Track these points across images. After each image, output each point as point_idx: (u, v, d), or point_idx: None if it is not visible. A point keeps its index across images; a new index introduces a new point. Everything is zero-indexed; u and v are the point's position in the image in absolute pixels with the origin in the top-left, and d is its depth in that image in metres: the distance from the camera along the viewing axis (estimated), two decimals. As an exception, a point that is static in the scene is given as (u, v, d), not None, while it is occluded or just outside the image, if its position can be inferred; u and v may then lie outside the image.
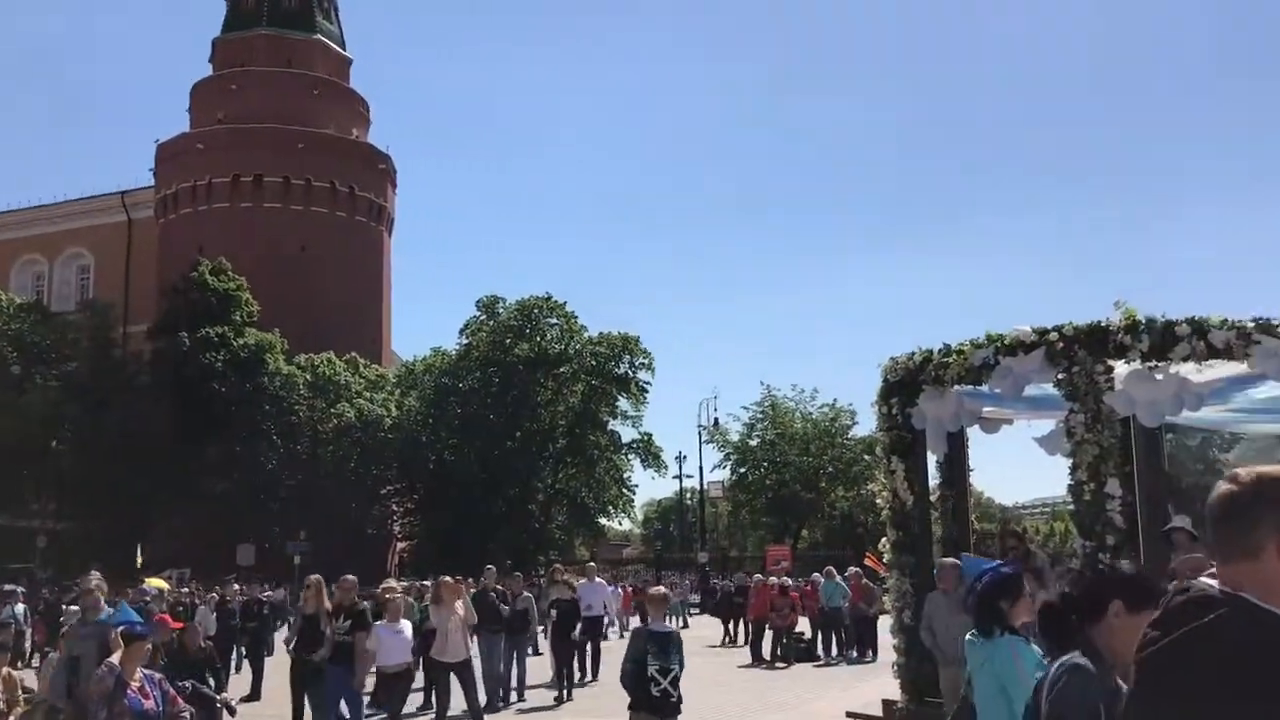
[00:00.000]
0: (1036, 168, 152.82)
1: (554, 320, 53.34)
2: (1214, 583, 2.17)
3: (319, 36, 67.42)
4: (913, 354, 11.05)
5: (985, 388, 10.29)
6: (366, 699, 11.95)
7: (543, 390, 51.99)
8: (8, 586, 24.23)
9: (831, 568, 25.20)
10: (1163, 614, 2.18)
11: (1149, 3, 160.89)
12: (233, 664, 19.25)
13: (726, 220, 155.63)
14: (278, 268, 56.48)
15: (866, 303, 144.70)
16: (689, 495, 57.19)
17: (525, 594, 17.31)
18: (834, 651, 23.22)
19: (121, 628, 7.86)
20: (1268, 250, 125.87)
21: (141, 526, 41.36)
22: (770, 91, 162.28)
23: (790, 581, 26.81)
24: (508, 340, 51.81)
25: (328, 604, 11.91)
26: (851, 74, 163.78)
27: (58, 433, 48.22)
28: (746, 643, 24.29)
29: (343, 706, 11.62)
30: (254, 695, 16.73)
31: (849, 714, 12.63)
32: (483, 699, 14.01)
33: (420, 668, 15.33)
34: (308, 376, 50.53)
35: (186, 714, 8.08)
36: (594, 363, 52.46)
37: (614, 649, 19.97)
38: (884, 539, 11.80)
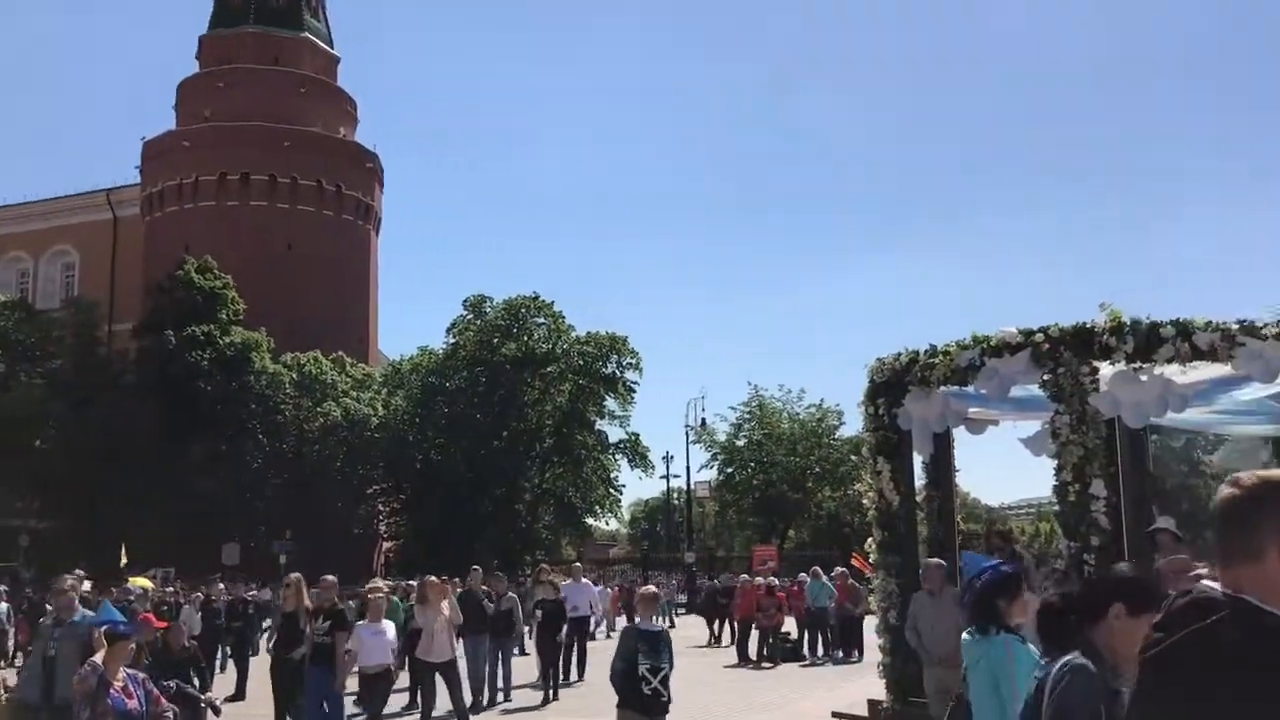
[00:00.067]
0: (1036, 168, 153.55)
1: (541, 320, 53.26)
2: (1216, 585, 2.19)
3: (306, 34, 67.19)
4: (899, 355, 11.07)
5: (971, 389, 10.32)
6: (351, 699, 11.90)
7: (530, 390, 51.93)
8: (-9, 586, 24.12)
9: (818, 568, 25.25)
10: (1165, 616, 2.20)
11: (1149, 3, 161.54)
12: (218, 664, 19.20)
13: (716, 220, 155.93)
14: (264, 266, 56.25)
15: (858, 303, 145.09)
16: (676, 495, 57.24)
17: (510, 594, 17.29)
18: (820, 651, 23.27)
19: (105, 627, 7.82)
20: (1267, 250, 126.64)
21: (126, 525, 41.02)
22: (767, 91, 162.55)
23: (777, 581, 26.84)
24: (495, 340, 51.72)
25: (307, 602, 11.88)
26: (850, 74, 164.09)
27: (42, 431, 47.97)
28: (733, 642, 24.32)
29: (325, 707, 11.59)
30: (239, 695, 16.69)
31: (834, 714, 12.65)
32: (468, 699, 13.99)
33: (406, 668, 15.32)
34: (294, 375, 50.35)
35: (170, 714, 8.05)
36: (581, 362, 52.41)
37: (599, 649, 19.98)
38: (870, 539, 11.82)
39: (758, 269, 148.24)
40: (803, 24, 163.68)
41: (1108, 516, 9.13)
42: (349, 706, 11.92)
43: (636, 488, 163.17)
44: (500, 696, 15.85)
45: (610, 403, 53.85)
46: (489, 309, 53.26)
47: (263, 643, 19.59)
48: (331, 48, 69.64)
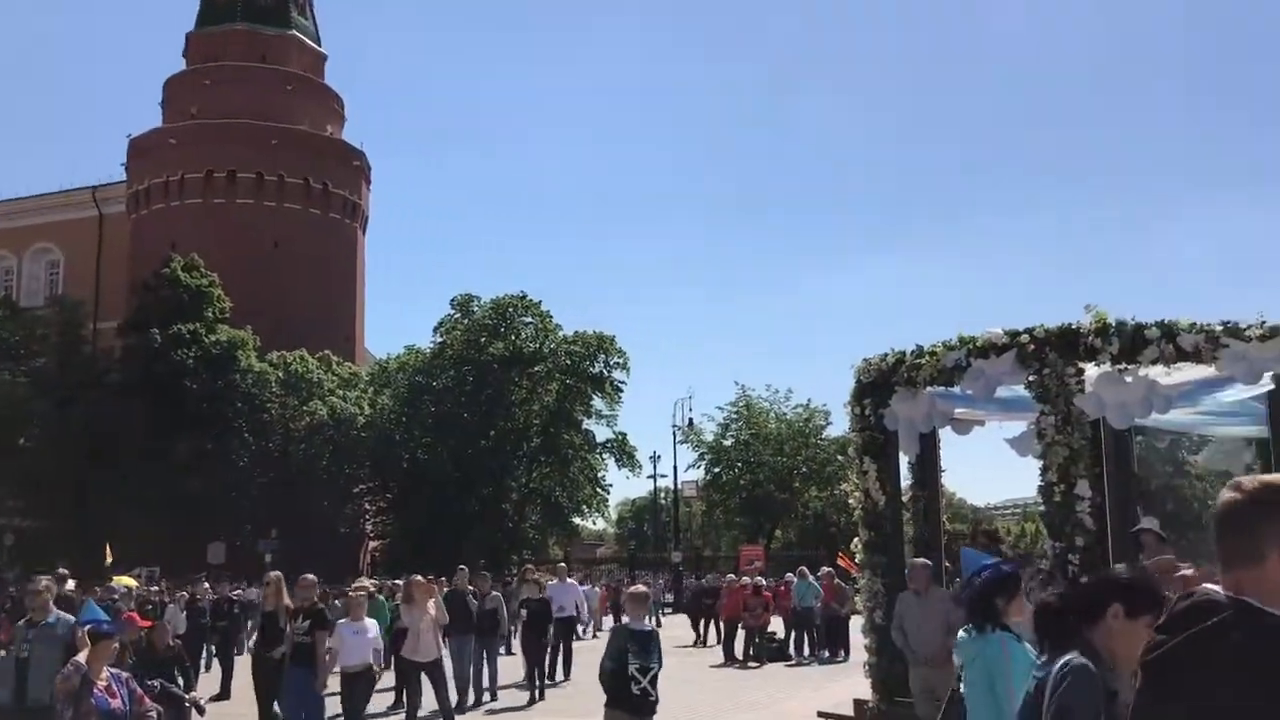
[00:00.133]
0: (1036, 168, 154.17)
1: (529, 319, 53.21)
2: (1218, 588, 2.21)
3: (294, 32, 66.99)
4: (885, 355, 11.10)
5: (957, 389, 10.35)
6: (335, 699, 11.85)
7: (517, 389, 51.88)
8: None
9: (804, 568, 25.31)
10: (1168, 618, 2.23)
11: (1149, 3, 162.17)
12: (203, 663, 19.14)
13: (705, 220, 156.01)
14: (250, 264, 56.06)
15: (851, 303, 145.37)
16: (663, 495, 57.30)
17: (494, 593, 17.28)
18: (806, 651, 23.30)
19: (88, 626, 7.79)
20: (1267, 250, 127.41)
21: (111, 524, 40.86)
22: (765, 90, 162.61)
23: (763, 581, 26.88)
24: (482, 339, 51.65)
25: (287, 601, 11.83)
26: (849, 73, 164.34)
27: (26, 430, 47.75)
28: (718, 642, 24.35)
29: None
30: (224, 694, 16.64)
31: (820, 714, 12.67)
32: (454, 699, 13.97)
33: (391, 668, 15.29)
34: (280, 374, 50.20)
35: (154, 713, 8.02)
36: (569, 362, 52.38)
37: (586, 649, 19.98)
38: (856, 539, 11.85)
39: (748, 269, 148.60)
40: (803, 24, 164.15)
41: (1092, 517, 9.16)
42: (332, 706, 11.87)
43: (624, 487, 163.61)
44: (486, 696, 15.83)
45: (597, 402, 53.84)
46: (476, 308, 53.18)
47: (248, 642, 19.54)
48: (319, 45, 69.46)
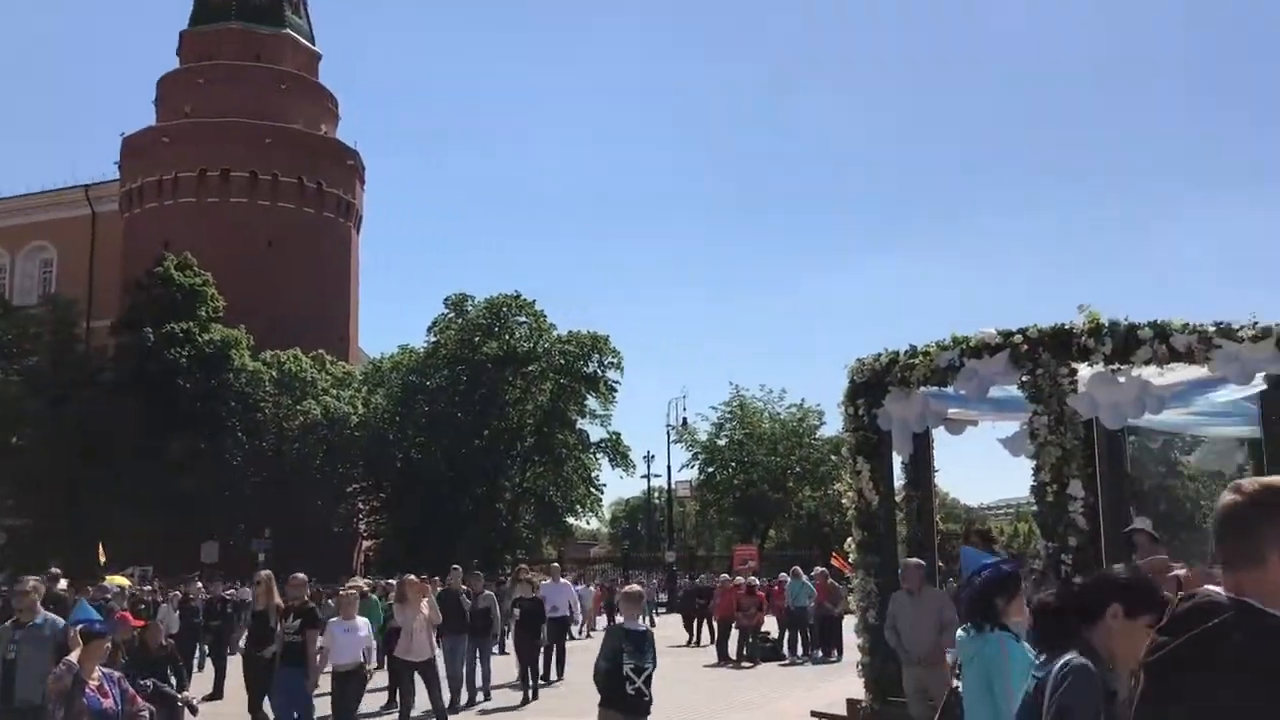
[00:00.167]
0: (1036, 168, 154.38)
1: (523, 319, 53.18)
2: (1219, 589, 2.23)
3: (288, 31, 66.90)
4: (879, 355, 11.10)
5: (950, 389, 10.36)
6: (326, 699, 11.82)
7: (511, 389, 51.85)
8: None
9: (798, 567, 25.31)
10: (1170, 620, 2.24)
11: (1148, 3, 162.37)
12: (195, 662, 19.11)
13: (700, 220, 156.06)
14: (244, 263, 55.99)
15: (845, 303, 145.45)
16: (657, 495, 57.26)
17: (487, 592, 17.26)
18: (799, 651, 23.31)
19: (80, 626, 7.77)
20: (1266, 250, 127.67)
21: (104, 523, 40.80)
22: (765, 90, 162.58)
23: (757, 581, 26.89)
24: (476, 338, 51.60)
25: (278, 600, 11.80)
26: (849, 73, 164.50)
27: (19, 429, 47.63)
28: (712, 642, 24.35)
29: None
30: (216, 694, 16.62)
31: (814, 713, 12.68)
32: (447, 699, 13.96)
33: (385, 667, 15.27)
34: (273, 373, 50.13)
35: (146, 713, 8.00)
36: (563, 361, 52.36)
37: (580, 649, 19.98)
38: (850, 539, 11.85)
39: (742, 269, 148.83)
40: (801, 24, 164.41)
41: (1085, 517, 9.18)
42: (322, 706, 11.83)
43: (617, 487, 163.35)
44: (480, 696, 15.82)
45: (591, 402, 53.84)
46: (470, 308, 53.15)
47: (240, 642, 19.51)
48: (313, 44, 69.37)
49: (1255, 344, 8.67)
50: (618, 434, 54.83)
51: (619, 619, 9.07)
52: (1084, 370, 9.42)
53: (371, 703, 15.34)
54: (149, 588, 27.12)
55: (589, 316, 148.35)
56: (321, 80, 69.09)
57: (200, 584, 23.29)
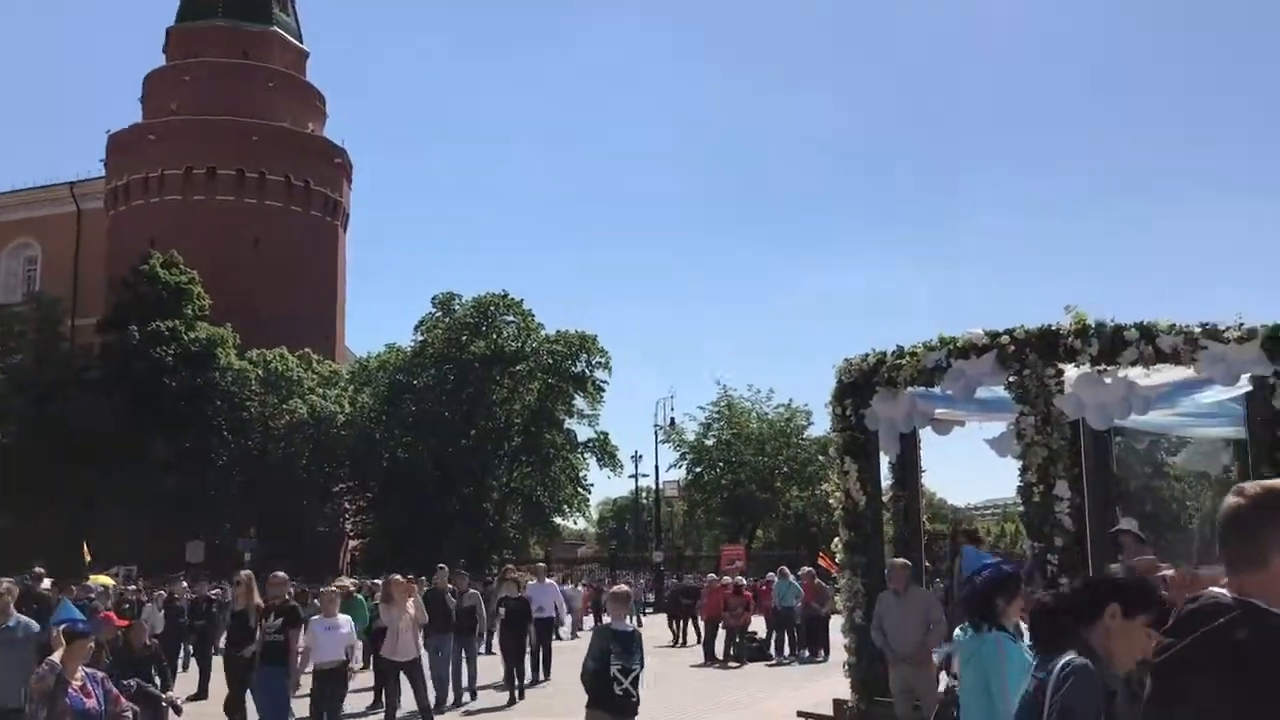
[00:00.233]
0: (1025, 168, 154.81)
1: (510, 318, 53.13)
2: (1225, 591, 2.25)
3: (275, 28, 66.70)
4: (866, 355, 11.11)
5: (938, 390, 10.37)
6: (305, 699, 11.75)
7: (498, 388, 51.80)
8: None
9: (785, 567, 25.32)
10: (1175, 622, 2.27)
11: (1144, 3, 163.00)
12: (180, 662, 19.04)
13: (691, 219, 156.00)
14: (230, 262, 55.81)
15: (832, 304, 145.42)
16: (645, 495, 57.30)
17: (472, 591, 17.22)
18: (786, 651, 23.32)
19: (63, 625, 7.73)
20: (1264, 250, 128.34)
21: (88, 522, 40.64)
22: (752, 90, 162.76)
23: (744, 581, 26.88)
24: (463, 337, 51.53)
25: (258, 600, 11.75)
26: (837, 74, 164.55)
27: (2, 427, 47.35)
28: (699, 642, 24.34)
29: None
30: (201, 694, 16.54)
31: (800, 713, 12.67)
32: (432, 699, 13.92)
33: (370, 667, 15.21)
34: (260, 372, 49.98)
35: (129, 713, 7.95)
36: (551, 361, 52.31)
37: (568, 649, 19.95)
38: (837, 539, 11.86)
39: (732, 268, 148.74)
40: (793, 24, 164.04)
41: (1071, 517, 9.20)
42: (301, 708, 11.77)
43: (605, 487, 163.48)
44: (465, 696, 15.77)
45: (579, 401, 53.82)
46: (458, 307, 53.08)
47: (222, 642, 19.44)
48: (301, 42, 69.17)
49: (1241, 345, 8.70)
50: (605, 434, 54.91)
51: (606, 619, 9.04)
52: (1070, 371, 9.45)
53: (357, 703, 15.29)
54: (133, 587, 27.00)
55: (575, 316, 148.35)
56: (309, 78, 68.92)
57: (185, 583, 23.17)
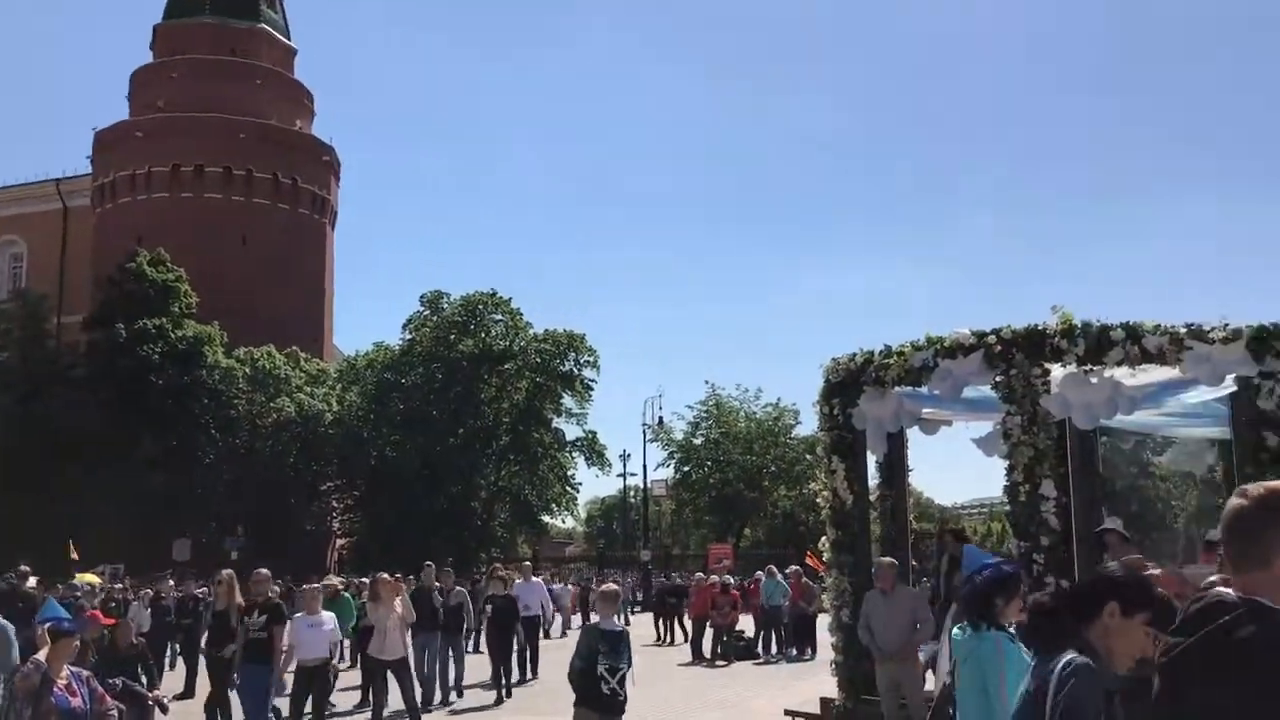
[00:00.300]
0: (1013, 167, 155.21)
1: (499, 316, 53.08)
2: (1230, 591, 2.29)
3: (263, 26, 66.48)
4: (854, 355, 11.13)
5: (925, 389, 10.40)
6: (285, 696, 11.72)
7: (486, 387, 51.74)
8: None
9: (773, 566, 25.38)
10: (1182, 620, 2.30)
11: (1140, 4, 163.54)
12: (167, 661, 18.99)
13: (681, 218, 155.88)
14: (217, 259, 55.62)
15: (821, 303, 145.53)
16: (633, 493, 57.29)
17: (458, 589, 17.20)
18: (773, 650, 23.37)
19: (48, 624, 7.70)
20: (1262, 250, 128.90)
21: (74, 521, 40.50)
22: (747, 90, 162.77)
23: (732, 580, 26.92)
24: (451, 336, 51.46)
25: (239, 599, 11.71)
26: (827, 72, 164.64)
27: (-12, 424, 47.14)
28: (686, 640, 24.36)
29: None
30: (188, 693, 16.50)
31: (787, 712, 12.69)
32: (419, 697, 13.90)
33: (358, 665, 15.19)
34: (247, 370, 49.83)
35: (114, 712, 7.93)
36: (539, 360, 52.28)
37: (554, 647, 19.96)
38: (824, 538, 11.88)
39: (719, 268, 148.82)
40: (782, 22, 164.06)
41: (1057, 517, 9.23)
42: (284, 706, 11.74)
43: (593, 486, 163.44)
44: (453, 695, 15.76)
45: (568, 400, 53.79)
46: (446, 305, 53.00)
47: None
48: (289, 39, 68.96)
49: (1226, 345, 8.74)
50: (594, 433, 54.90)
51: (594, 618, 9.05)
52: (1057, 371, 9.48)
53: (344, 701, 15.29)
54: (120, 585, 26.91)
55: (570, 316, 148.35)
56: (297, 76, 68.73)
57: (172, 582, 23.10)
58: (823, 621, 15.26)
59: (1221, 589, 2.33)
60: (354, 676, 16.36)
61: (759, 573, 26.96)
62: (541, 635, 20.44)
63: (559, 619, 30.43)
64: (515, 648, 17.68)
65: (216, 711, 11.76)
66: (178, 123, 60.13)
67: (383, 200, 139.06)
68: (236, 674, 11.23)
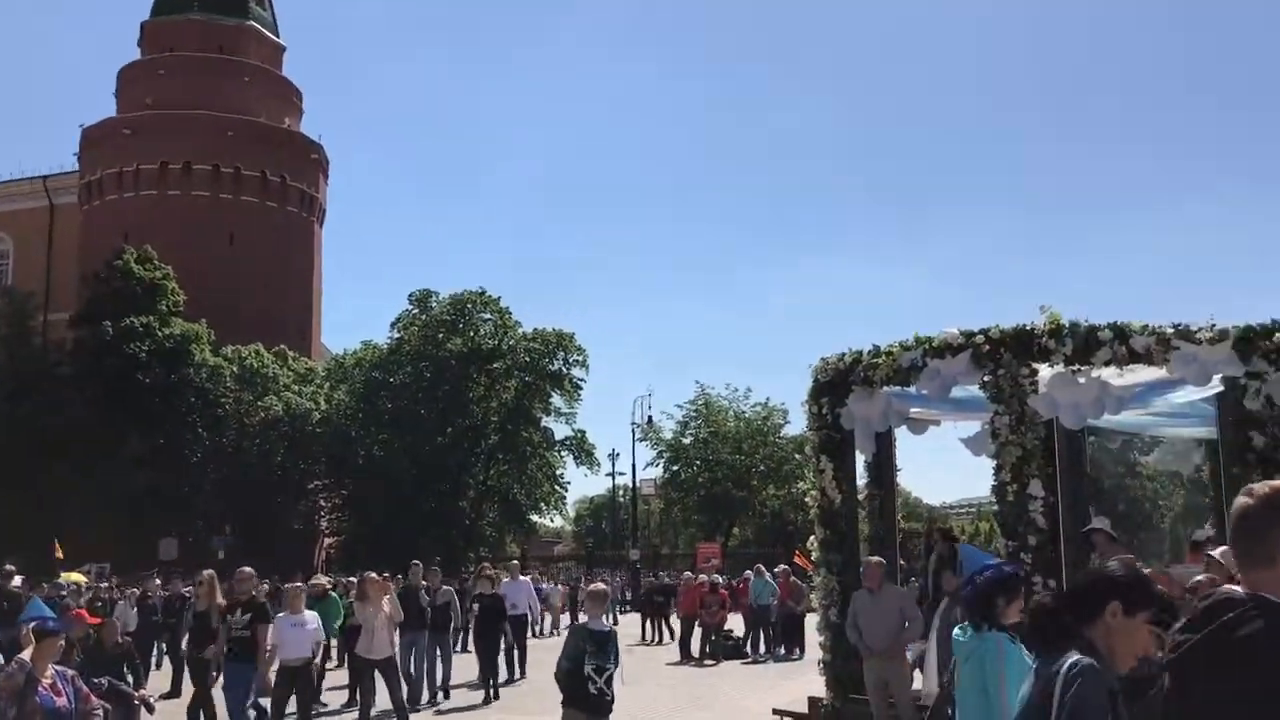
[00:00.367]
0: (1004, 167, 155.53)
1: (487, 315, 53.02)
2: (1238, 589, 2.33)
3: (252, 23, 66.32)
4: (843, 355, 11.14)
5: (913, 389, 10.42)
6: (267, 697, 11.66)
7: (475, 386, 51.67)
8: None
9: (761, 565, 25.38)
10: (1189, 618, 2.33)
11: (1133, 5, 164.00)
12: (153, 660, 18.92)
13: (671, 216, 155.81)
14: (205, 257, 55.46)
15: (812, 303, 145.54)
16: (622, 493, 57.29)
17: (445, 588, 17.16)
18: (762, 649, 23.37)
19: (33, 623, 7.66)
20: (1261, 250, 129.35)
21: (60, 519, 40.34)
22: (719, 90, 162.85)
23: (720, 579, 26.93)
24: (440, 335, 51.39)
25: (220, 600, 11.65)
26: (838, 70, 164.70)
27: (-27, 423, 46.92)
28: (674, 639, 24.36)
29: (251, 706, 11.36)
30: (174, 692, 16.42)
31: (776, 711, 12.70)
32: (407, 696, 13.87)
33: (345, 665, 15.13)
34: (234, 368, 49.70)
35: (100, 711, 7.89)
36: (528, 359, 52.24)
37: (543, 647, 19.94)
38: (812, 537, 11.89)
39: (711, 267, 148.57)
40: (778, 24, 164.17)
41: (1045, 516, 9.25)
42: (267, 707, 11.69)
43: (582, 485, 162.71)
44: (440, 695, 15.73)
45: (556, 399, 53.78)
46: (434, 304, 52.92)
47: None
48: (277, 37, 68.79)
49: (1213, 346, 8.77)
50: (583, 432, 54.89)
51: (583, 618, 9.04)
52: (1044, 371, 9.51)
53: (332, 701, 15.25)
54: (106, 585, 26.81)
55: (553, 314, 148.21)
56: (286, 73, 68.57)
57: (158, 581, 23.01)
58: (811, 621, 15.26)
59: (1229, 586, 2.34)
60: (341, 676, 16.32)
61: (747, 572, 26.96)
62: (530, 634, 20.41)
63: (549, 618, 30.40)
64: (502, 647, 17.65)
65: (200, 713, 11.69)
66: (166, 120, 59.93)
67: (371, 198, 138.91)
68: (218, 672, 11.16)
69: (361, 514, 51.57)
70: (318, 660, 11.74)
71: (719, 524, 57.91)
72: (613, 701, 8.19)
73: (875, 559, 10.46)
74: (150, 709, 10.83)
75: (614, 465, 52.94)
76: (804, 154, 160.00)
